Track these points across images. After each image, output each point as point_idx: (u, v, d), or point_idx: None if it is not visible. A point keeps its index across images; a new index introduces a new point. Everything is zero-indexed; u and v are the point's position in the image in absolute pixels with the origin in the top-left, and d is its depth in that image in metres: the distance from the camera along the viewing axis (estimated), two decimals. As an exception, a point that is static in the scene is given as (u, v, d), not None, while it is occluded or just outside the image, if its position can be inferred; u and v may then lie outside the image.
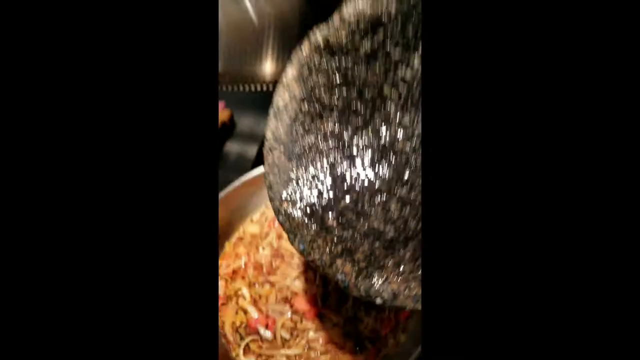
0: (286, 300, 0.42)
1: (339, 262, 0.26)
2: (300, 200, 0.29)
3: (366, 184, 0.30)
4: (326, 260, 0.26)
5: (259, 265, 0.46)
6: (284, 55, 0.78)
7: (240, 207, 0.51)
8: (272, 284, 0.44)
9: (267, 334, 0.41)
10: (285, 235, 0.47)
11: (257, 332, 0.41)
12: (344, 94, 0.32)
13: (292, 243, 0.28)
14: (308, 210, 0.28)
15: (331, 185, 0.30)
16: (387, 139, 0.31)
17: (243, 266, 0.46)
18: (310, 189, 0.29)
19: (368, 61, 0.31)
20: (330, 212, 0.28)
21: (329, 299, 0.42)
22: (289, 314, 0.42)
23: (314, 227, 0.28)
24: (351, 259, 0.26)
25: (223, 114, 0.64)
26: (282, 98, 0.31)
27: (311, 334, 0.40)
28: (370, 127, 0.31)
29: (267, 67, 0.78)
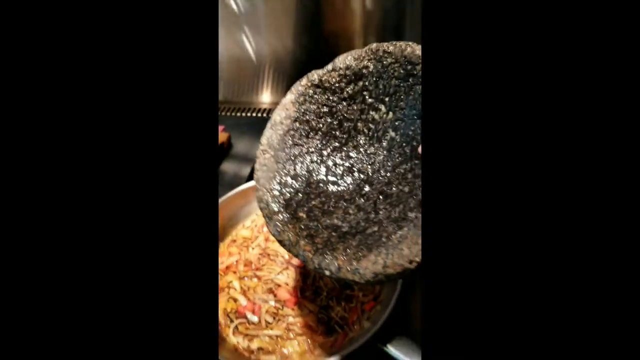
0: (270, 291, 0.50)
1: (302, 242, 0.33)
2: (280, 195, 0.37)
3: (334, 191, 0.39)
4: (292, 240, 0.33)
5: (248, 262, 0.54)
6: (277, 88, 0.88)
7: (233, 215, 0.59)
8: (259, 278, 0.52)
9: (254, 318, 0.48)
10: (272, 238, 0.56)
11: (245, 317, 0.48)
12: (328, 121, 0.41)
13: (267, 225, 0.35)
14: (284, 203, 0.36)
15: (306, 188, 0.38)
16: (355, 161, 0.40)
17: (235, 263, 0.54)
18: (289, 187, 0.37)
19: (349, 101, 0.41)
20: (302, 207, 0.36)
21: (306, 290, 0.50)
22: (272, 302, 0.49)
23: (287, 216, 0.35)
24: (312, 242, 0.33)
25: (221, 136, 0.73)
26: (279, 115, 0.40)
27: (290, 319, 0.48)
28: (344, 150, 0.41)
29: (263, 97, 0.89)
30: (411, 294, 0.51)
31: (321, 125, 0.41)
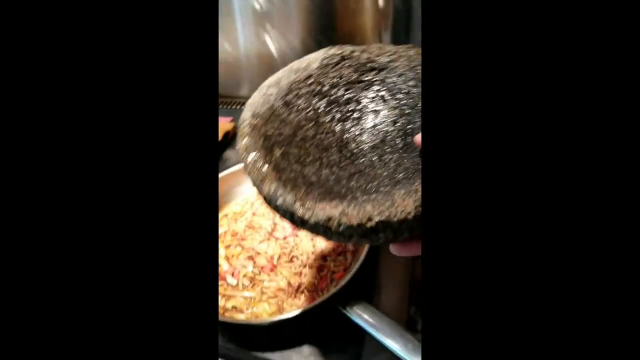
0: (251, 258, 0.54)
1: (266, 168, 0.33)
2: (263, 126, 0.37)
3: (315, 153, 0.39)
4: (258, 163, 0.33)
5: (235, 233, 0.58)
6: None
7: (228, 192, 0.64)
8: (243, 247, 0.56)
9: (233, 281, 0.52)
10: (258, 212, 0.60)
11: (225, 280, 0.53)
12: (339, 94, 0.42)
13: (238, 141, 0.35)
14: (264, 134, 0.36)
15: (290, 137, 0.38)
16: (347, 138, 0.41)
17: (224, 233, 0.59)
18: (275, 127, 0.38)
19: (364, 85, 0.42)
20: (279, 147, 0.36)
21: (283, 259, 0.54)
22: (251, 268, 0.53)
23: (262, 143, 0.35)
24: (277, 173, 0.33)
25: (228, 126, 0.79)
26: (299, 64, 0.42)
27: (265, 283, 0.52)
28: (341, 125, 0.42)
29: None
30: (375, 264, 0.54)
31: (331, 94, 0.42)
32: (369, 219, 0.28)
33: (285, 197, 0.31)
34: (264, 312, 0.49)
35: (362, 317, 0.45)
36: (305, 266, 0.52)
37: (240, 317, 0.49)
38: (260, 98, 0.39)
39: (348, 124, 0.42)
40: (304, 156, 0.38)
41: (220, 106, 0.93)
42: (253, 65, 0.95)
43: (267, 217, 0.59)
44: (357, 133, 0.42)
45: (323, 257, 0.54)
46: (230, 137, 0.79)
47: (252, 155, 0.34)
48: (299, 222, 0.30)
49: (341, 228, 0.28)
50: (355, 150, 0.41)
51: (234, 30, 0.91)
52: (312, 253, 0.54)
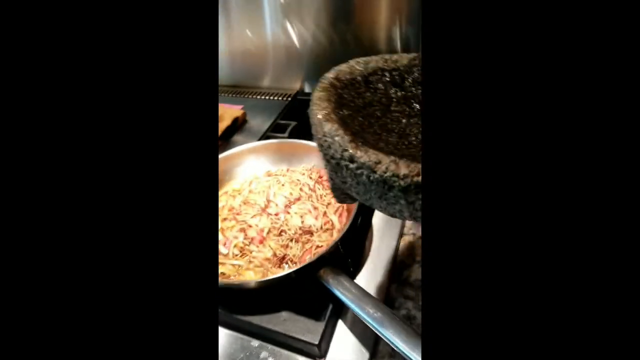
0: (243, 230, 0.58)
1: (334, 117, 0.34)
2: (342, 88, 0.39)
3: (376, 125, 0.41)
4: (325, 105, 0.35)
5: (232, 208, 0.62)
6: (316, 75, 0.97)
7: (229, 170, 0.68)
8: (237, 220, 0.60)
9: (224, 250, 0.56)
10: (255, 190, 0.64)
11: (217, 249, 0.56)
12: (415, 91, 0.44)
13: (313, 94, 0.37)
14: (339, 95, 0.38)
15: (361, 107, 0.41)
16: (408, 126, 0.43)
17: (221, 207, 0.62)
18: (351, 95, 0.40)
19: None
20: (348, 110, 0.38)
21: (272, 233, 0.57)
22: (241, 239, 0.57)
23: (334, 100, 0.37)
24: (342, 124, 0.33)
25: (238, 112, 0.83)
26: (391, 57, 0.44)
27: (254, 253, 0.55)
28: (408, 118, 0.43)
29: (298, 84, 0.98)
30: (362, 242, 0.56)
31: (409, 90, 0.44)
32: (417, 174, 0.27)
33: (343, 137, 0.31)
34: (250, 279, 0.52)
35: (341, 289, 0.48)
36: (292, 240, 0.55)
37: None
38: (346, 68, 0.42)
39: (414, 120, 0.43)
40: (367, 127, 0.39)
41: (233, 95, 0.98)
42: (278, 58, 0.98)
43: (262, 194, 0.63)
44: (420, 130, 0.42)
45: (310, 232, 0.57)
46: (240, 123, 0.83)
47: (324, 102, 0.35)
48: (347, 160, 0.30)
49: (387, 174, 0.28)
50: (414, 142, 0.41)
51: (261, 22, 0.94)
52: (300, 229, 0.57)
